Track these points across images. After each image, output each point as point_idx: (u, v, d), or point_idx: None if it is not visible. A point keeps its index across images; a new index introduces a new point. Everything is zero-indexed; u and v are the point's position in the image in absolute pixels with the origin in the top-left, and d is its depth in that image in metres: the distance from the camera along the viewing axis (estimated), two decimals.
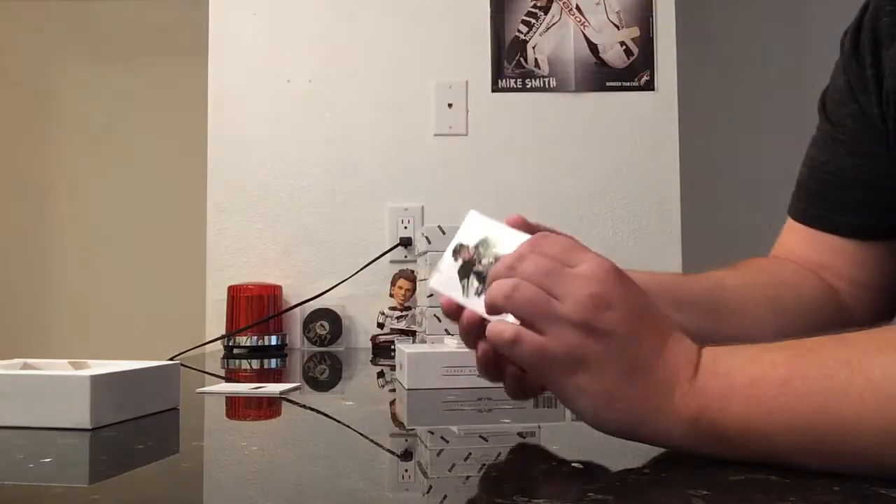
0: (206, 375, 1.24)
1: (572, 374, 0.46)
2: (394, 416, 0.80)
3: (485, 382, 0.57)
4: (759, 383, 0.43)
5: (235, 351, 1.68)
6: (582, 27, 1.87)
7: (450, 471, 0.52)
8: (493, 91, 1.88)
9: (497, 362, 0.54)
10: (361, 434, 0.68)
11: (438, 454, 0.59)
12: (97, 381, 0.61)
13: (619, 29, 1.87)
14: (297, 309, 1.74)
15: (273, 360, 1.51)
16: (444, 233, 1.40)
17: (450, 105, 1.87)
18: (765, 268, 0.82)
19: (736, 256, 0.84)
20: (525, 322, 0.47)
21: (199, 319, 1.84)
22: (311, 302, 1.71)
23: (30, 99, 2.80)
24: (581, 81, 1.87)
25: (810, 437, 0.42)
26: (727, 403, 0.44)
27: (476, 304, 0.53)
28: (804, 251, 0.80)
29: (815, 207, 0.79)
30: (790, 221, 0.84)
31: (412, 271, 1.75)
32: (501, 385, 0.56)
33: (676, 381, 0.45)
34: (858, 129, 0.73)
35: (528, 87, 1.87)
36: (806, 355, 0.44)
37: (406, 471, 0.53)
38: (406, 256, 1.79)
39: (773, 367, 0.44)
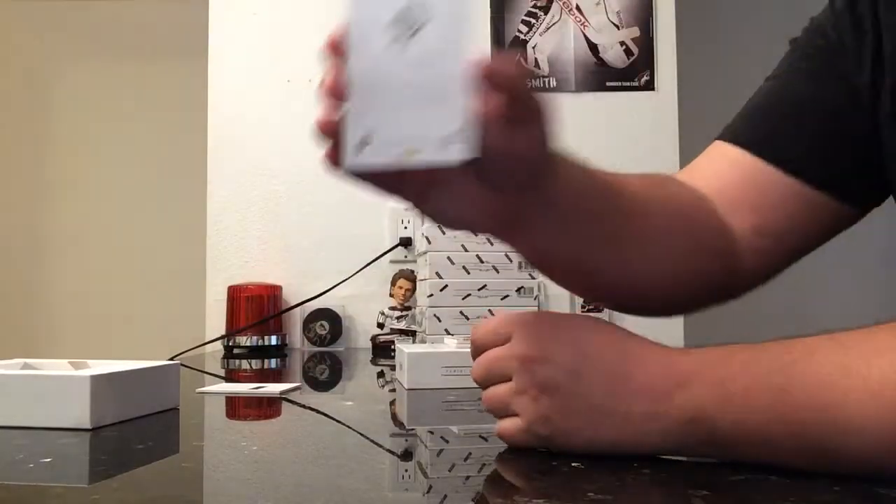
0: (206, 375, 1.24)
1: (555, 431, 0.48)
2: (394, 416, 0.80)
3: None
4: (755, 391, 0.43)
5: (235, 351, 1.68)
6: (582, 27, 1.87)
7: (450, 471, 0.52)
8: None
9: None
10: (361, 434, 0.68)
11: (438, 454, 0.59)
12: (97, 381, 0.61)
13: (619, 29, 1.87)
14: (297, 309, 1.74)
15: (273, 360, 1.51)
16: (444, 233, 1.40)
17: None
18: (679, 197, 0.69)
19: None
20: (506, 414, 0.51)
21: (199, 319, 1.84)
22: (311, 302, 1.71)
23: (30, 99, 2.80)
24: (581, 81, 1.87)
25: (809, 444, 0.42)
26: (723, 413, 0.44)
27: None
28: (720, 180, 0.68)
29: (760, 133, 0.68)
30: (719, 146, 0.70)
31: (412, 271, 1.75)
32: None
33: (656, 397, 0.46)
34: (831, 62, 0.65)
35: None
36: (802, 360, 0.43)
37: (406, 471, 0.53)
38: (406, 256, 1.79)
39: (769, 373, 0.43)
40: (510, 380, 0.50)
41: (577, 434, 0.48)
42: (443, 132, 0.42)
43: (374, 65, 0.44)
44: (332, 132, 0.43)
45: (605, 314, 1.80)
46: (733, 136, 0.69)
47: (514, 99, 0.44)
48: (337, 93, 0.43)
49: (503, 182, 0.48)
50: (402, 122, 0.42)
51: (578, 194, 0.56)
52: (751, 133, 0.68)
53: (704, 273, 0.65)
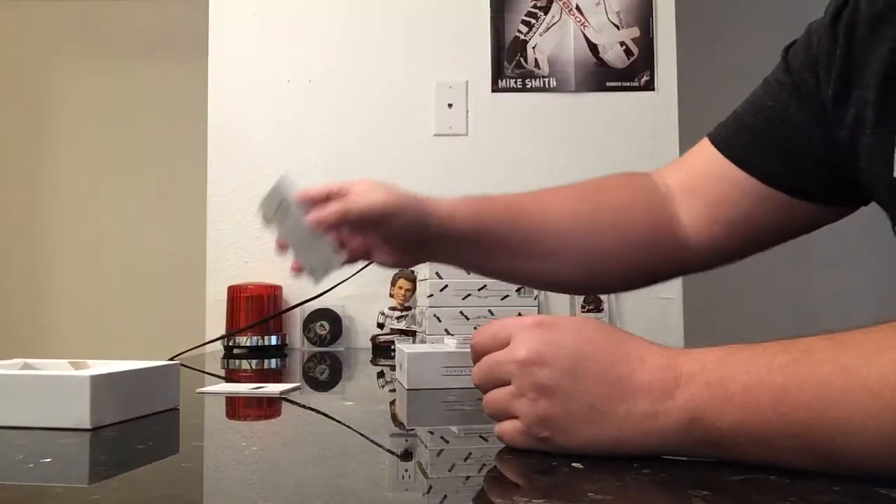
0: (206, 375, 1.24)
1: (555, 432, 0.48)
2: (394, 416, 0.80)
3: None
4: (755, 391, 0.43)
5: (235, 351, 1.68)
6: (582, 27, 1.87)
7: (450, 471, 0.52)
8: (493, 91, 1.88)
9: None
10: (361, 434, 0.68)
11: (438, 454, 0.59)
12: (97, 381, 0.61)
13: (619, 29, 1.87)
14: (297, 309, 1.73)
15: (273, 361, 1.51)
16: None
17: (450, 105, 1.87)
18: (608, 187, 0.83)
19: None
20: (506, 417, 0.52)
21: (199, 319, 1.84)
22: (311, 302, 1.70)
23: (30, 99, 2.80)
24: (581, 81, 1.87)
25: (809, 443, 0.42)
26: (722, 413, 0.44)
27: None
28: (693, 173, 0.79)
29: (738, 140, 0.75)
30: (705, 143, 0.79)
31: (412, 271, 1.75)
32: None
33: (656, 397, 0.46)
34: (814, 92, 0.69)
35: (528, 87, 1.87)
36: (801, 359, 0.43)
37: (406, 471, 0.53)
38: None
39: (769, 373, 0.43)
40: (510, 383, 0.51)
41: (577, 435, 0.48)
42: (321, 263, 0.80)
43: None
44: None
45: (605, 316, 1.80)
46: (714, 136, 0.78)
47: (352, 224, 0.76)
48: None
49: (396, 249, 0.78)
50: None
51: (469, 227, 0.77)
52: (727, 136, 0.76)
53: (624, 261, 0.78)
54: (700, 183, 0.77)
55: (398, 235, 0.76)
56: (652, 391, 0.46)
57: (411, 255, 0.79)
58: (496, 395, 0.52)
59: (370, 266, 1.87)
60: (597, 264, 0.79)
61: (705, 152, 0.78)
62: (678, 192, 0.79)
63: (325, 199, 0.77)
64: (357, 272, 1.74)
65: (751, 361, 0.44)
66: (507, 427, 0.51)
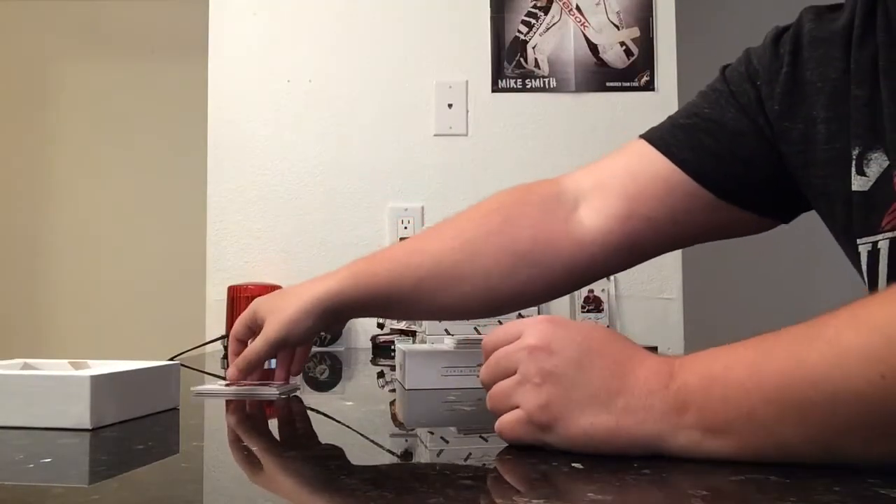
0: (205, 375, 1.23)
1: (555, 419, 0.49)
2: (394, 416, 0.80)
3: None
4: (733, 368, 0.46)
5: None
6: (582, 27, 1.87)
7: (450, 471, 0.52)
8: (493, 91, 1.88)
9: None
10: (361, 434, 0.68)
11: (438, 454, 0.59)
12: (97, 381, 0.61)
13: (619, 29, 1.87)
14: None
15: (273, 360, 1.50)
16: None
17: (450, 105, 1.87)
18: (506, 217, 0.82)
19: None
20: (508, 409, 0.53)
21: (199, 319, 1.84)
22: None
23: (30, 99, 2.81)
24: (581, 82, 1.87)
25: (787, 407, 0.43)
26: (709, 392, 0.46)
27: None
28: (616, 170, 0.79)
29: (672, 136, 0.76)
30: (638, 142, 0.79)
31: None
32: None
33: (652, 389, 0.48)
34: (753, 102, 0.73)
35: (528, 87, 1.87)
36: (770, 338, 0.46)
37: (406, 471, 0.53)
38: None
39: (745, 350, 0.47)
40: (516, 373, 0.52)
41: (576, 422, 0.49)
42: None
43: None
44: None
45: (605, 316, 1.80)
46: (646, 134, 0.79)
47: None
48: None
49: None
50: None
51: (359, 301, 0.81)
52: (661, 134, 0.77)
53: (516, 276, 0.78)
54: (619, 178, 0.78)
55: (315, 334, 0.86)
56: (648, 383, 0.48)
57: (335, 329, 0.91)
58: (500, 386, 0.53)
59: None
60: (490, 288, 0.79)
61: (633, 149, 0.79)
62: (590, 190, 0.79)
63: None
64: None
65: (731, 347, 0.48)
66: (508, 418, 0.52)
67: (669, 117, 0.79)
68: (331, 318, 0.82)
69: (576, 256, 0.78)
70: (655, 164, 0.76)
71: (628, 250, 0.78)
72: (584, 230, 0.77)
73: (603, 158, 0.83)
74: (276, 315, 0.82)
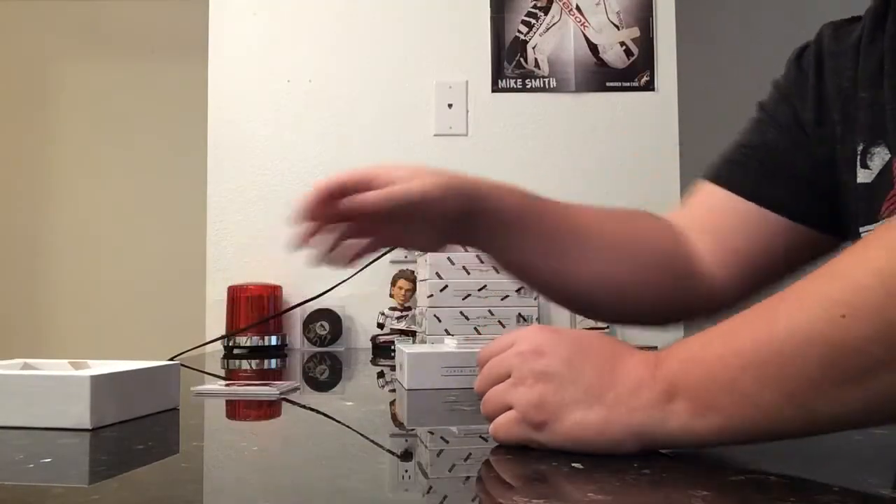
0: (205, 375, 1.24)
1: (548, 416, 0.50)
2: (394, 417, 0.80)
3: None
4: (710, 343, 0.48)
5: (235, 351, 1.68)
6: (582, 27, 1.87)
7: (450, 471, 0.52)
8: (493, 91, 1.88)
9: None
10: (361, 434, 0.68)
11: (438, 454, 0.59)
12: (97, 381, 0.61)
13: (619, 29, 1.87)
14: (297, 309, 1.74)
15: (273, 361, 1.51)
16: None
17: (450, 105, 1.87)
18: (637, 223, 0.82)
19: None
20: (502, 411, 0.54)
21: (199, 319, 1.84)
22: (311, 302, 1.71)
23: (30, 99, 2.81)
24: (581, 82, 1.87)
25: (764, 368, 0.44)
26: (691, 373, 0.48)
27: None
28: (696, 211, 0.80)
29: (729, 171, 0.78)
30: (699, 184, 0.81)
31: (412, 271, 1.75)
32: None
33: (640, 380, 0.49)
34: (791, 120, 0.76)
35: (528, 87, 1.87)
36: (745, 311, 0.48)
37: (406, 471, 0.53)
38: (406, 256, 1.79)
39: (721, 326, 0.49)
40: (509, 377, 0.54)
41: (569, 415, 0.50)
42: None
43: None
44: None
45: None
46: (707, 173, 0.81)
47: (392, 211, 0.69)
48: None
49: (433, 233, 0.73)
50: None
51: (516, 219, 0.72)
52: (720, 171, 0.79)
53: (651, 286, 0.77)
54: (707, 219, 0.79)
55: (441, 218, 0.70)
56: (636, 374, 0.50)
57: (445, 239, 0.74)
58: (495, 390, 0.55)
59: (370, 266, 1.87)
60: (634, 285, 0.76)
61: (704, 191, 0.80)
62: (690, 231, 0.79)
63: (355, 188, 0.70)
64: (357, 272, 1.73)
65: (711, 328, 0.49)
66: (502, 419, 0.53)
67: (720, 155, 0.81)
68: (466, 210, 0.70)
69: (699, 291, 0.77)
70: (727, 201, 0.77)
71: (732, 289, 0.77)
72: (705, 266, 0.77)
73: (683, 204, 0.84)
74: (411, 176, 0.69)
